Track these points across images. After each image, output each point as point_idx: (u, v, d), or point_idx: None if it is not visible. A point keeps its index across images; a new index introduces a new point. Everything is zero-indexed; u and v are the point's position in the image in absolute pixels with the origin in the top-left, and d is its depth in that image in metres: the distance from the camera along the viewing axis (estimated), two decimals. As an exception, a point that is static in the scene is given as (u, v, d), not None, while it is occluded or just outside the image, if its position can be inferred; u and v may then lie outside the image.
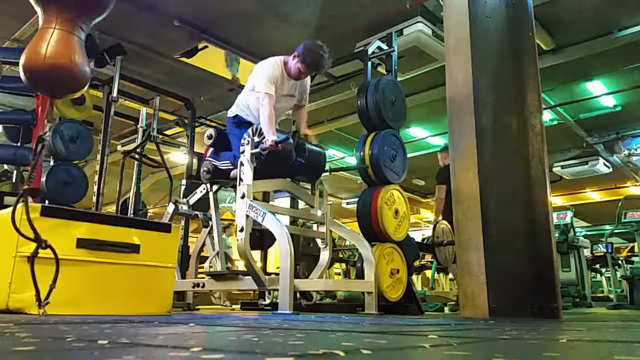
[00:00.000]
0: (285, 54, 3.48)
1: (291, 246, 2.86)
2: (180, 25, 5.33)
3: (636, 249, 9.06)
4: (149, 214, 6.97)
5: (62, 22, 2.09)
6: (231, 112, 3.59)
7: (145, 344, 0.94)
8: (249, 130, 3.27)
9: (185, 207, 3.89)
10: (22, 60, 2.07)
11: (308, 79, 3.63)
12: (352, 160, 8.87)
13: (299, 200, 4.24)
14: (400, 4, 4.85)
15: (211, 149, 3.66)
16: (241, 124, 3.49)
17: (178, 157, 9.11)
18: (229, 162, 3.47)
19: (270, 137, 3.09)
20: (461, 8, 3.16)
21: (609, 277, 9.97)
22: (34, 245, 2.10)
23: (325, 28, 5.44)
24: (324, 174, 3.73)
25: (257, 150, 3.12)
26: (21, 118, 5.23)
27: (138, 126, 5.16)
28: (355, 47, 5.04)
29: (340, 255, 6.95)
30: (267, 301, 4.47)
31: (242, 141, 3.23)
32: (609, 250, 7.94)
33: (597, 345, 1.15)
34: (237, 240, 3.04)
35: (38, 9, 2.12)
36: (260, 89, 3.26)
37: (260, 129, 3.20)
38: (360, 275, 3.36)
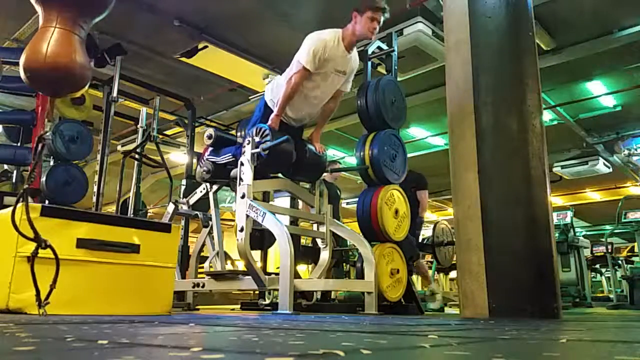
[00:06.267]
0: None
1: (291, 246, 2.86)
2: (180, 25, 5.33)
3: (636, 249, 9.06)
4: (149, 214, 6.97)
5: (62, 21, 2.09)
6: (266, 97, 3.36)
7: (145, 344, 0.94)
8: (250, 131, 3.27)
9: (185, 207, 3.89)
10: (22, 60, 2.06)
11: (356, 57, 3.41)
12: (352, 160, 8.87)
13: (299, 200, 4.25)
14: (400, 4, 4.85)
15: (210, 149, 3.66)
16: (265, 115, 3.30)
17: (178, 157, 9.11)
18: (230, 154, 3.46)
19: (274, 114, 3.12)
20: (461, 8, 3.16)
21: (609, 277, 9.98)
22: (34, 245, 2.10)
23: (325, 28, 5.43)
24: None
25: (258, 150, 3.12)
26: (21, 118, 5.23)
27: (138, 126, 5.16)
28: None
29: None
30: (267, 301, 4.47)
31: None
32: (609, 250, 7.95)
33: (597, 345, 1.15)
34: (237, 240, 3.04)
35: (38, 8, 2.11)
36: (297, 62, 3.14)
37: (261, 130, 3.19)
38: (360, 275, 3.36)
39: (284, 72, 3.34)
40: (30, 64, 2.05)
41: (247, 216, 3.04)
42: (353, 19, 3.20)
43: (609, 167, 9.26)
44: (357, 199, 3.87)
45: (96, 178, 4.89)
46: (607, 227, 13.28)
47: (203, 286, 3.53)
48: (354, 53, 3.37)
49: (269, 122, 3.16)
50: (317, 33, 3.20)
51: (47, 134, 2.16)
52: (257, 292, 4.98)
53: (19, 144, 5.33)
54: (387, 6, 3.22)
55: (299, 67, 3.14)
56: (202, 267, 3.81)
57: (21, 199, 1.99)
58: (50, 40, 2.04)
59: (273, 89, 3.35)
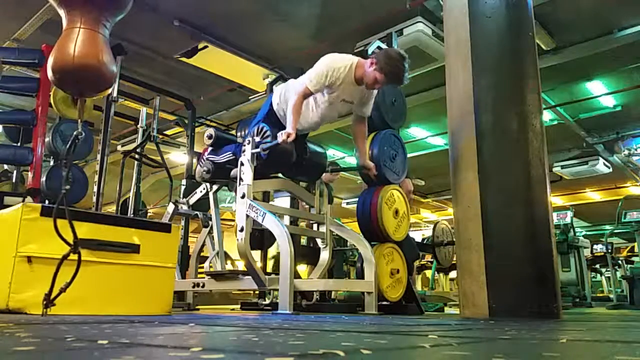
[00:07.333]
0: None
1: (291, 246, 2.86)
2: (180, 25, 5.33)
3: (636, 249, 9.07)
4: (149, 214, 6.97)
5: (86, 21, 2.08)
6: (273, 100, 3.28)
7: (145, 344, 0.94)
8: (251, 131, 3.26)
9: (185, 207, 3.89)
10: (50, 62, 2.05)
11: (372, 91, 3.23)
12: (352, 160, 8.87)
13: (299, 200, 4.25)
14: (400, 4, 4.85)
15: (209, 149, 3.66)
16: (269, 117, 3.23)
17: (178, 157, 9.11)
18: (229, 152, 3.45)
19: (288, 129, 2.95)
20: (461, 8, 3.16)
21: (609, 277, 9.98)
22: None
23: (325, 28, 5.44)
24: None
25: (258, 150, 3.12)
26: (21, 118, 5.23)
27: (138, 126, 5.17)
28: (355, 47, 5.04)
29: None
30: (267, 301, 4.47)
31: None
32: (609, 250, 7.95)
33: (597, 345, 1.15)
34: (237, 240, 3.05)
35: (61, 11, 2.10)
36: (304, 80, 3.02)
37: (262, 129, 3.18)
38: (360, 275, 3.36)
39: (296, 80, 3.23)
40: (59, 65, 2.03)
41: (247, 216, 3.04)
42: (370, 62, 3.02)
43: (609, 167, 9.26)
44: (357, 199, 3.87)
45: (96, 178, 4.89)
46: (607, 227, 13.29)
47: (203, 286, 3.53)
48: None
49: (282, 138, 2.94)
50: (333, 58, 3.08)
51: (82, 134, 2.14)
52: (257, 292, 4.98)
53: (19, 144, 5.33)
54: (405, 81, 3.03)
55: (303, 87, 3.05)
56: (202, 267, 3.81)
57: (62, 201, 1.96)
58: (76, 40, 2.03)
59: (282, 94, 3.27)
